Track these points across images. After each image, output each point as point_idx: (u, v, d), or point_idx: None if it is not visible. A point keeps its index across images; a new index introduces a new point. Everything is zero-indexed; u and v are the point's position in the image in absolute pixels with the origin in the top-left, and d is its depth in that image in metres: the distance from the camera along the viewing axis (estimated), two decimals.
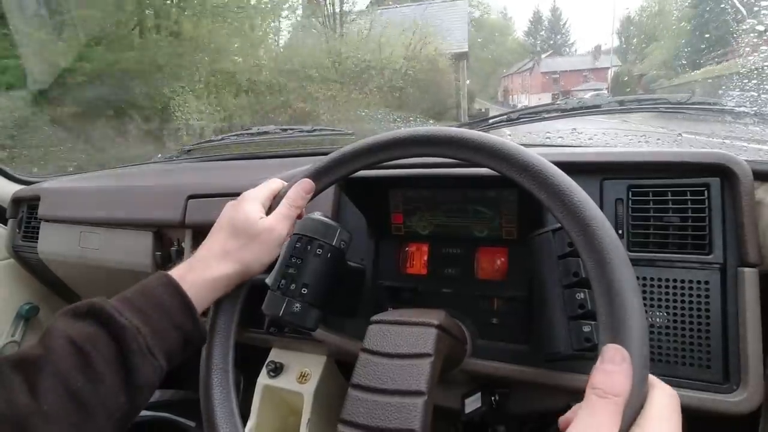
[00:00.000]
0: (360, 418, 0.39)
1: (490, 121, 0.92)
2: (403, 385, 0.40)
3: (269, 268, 0.51)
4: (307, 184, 0.50)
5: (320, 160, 0.51)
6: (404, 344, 0.43)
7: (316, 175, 0.51)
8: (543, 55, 38.13)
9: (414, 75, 9.05)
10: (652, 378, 0.32)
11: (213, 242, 0.48)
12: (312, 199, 0.51)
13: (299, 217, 0.51)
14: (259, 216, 0.48)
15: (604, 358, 0.31)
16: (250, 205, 0.49)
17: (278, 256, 0.50)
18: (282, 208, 0.49)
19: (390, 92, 8.49)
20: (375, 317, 0.47)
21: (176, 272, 0.45)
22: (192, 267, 0.46)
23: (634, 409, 0.30)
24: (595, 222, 0.36)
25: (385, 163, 0.50)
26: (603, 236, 0.35)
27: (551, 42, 43.71)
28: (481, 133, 0.44)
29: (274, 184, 0.52)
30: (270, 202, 0.50)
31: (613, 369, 0.30)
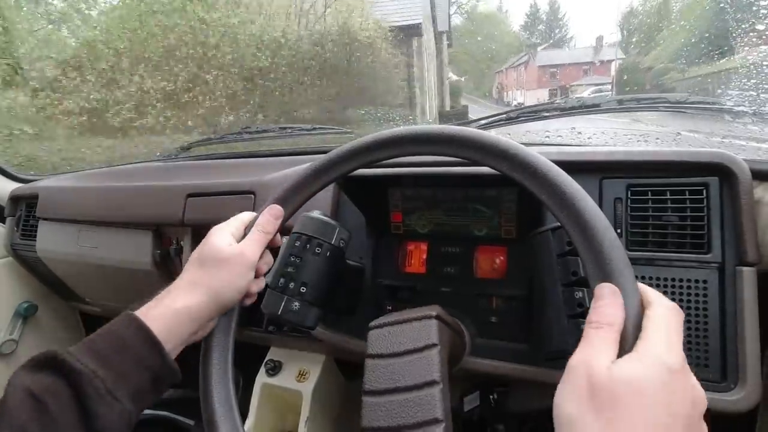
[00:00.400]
0: (381, 422, 0.39)
1: (490, 119, 0.92)
2: (417, 379, 0.40)
3: (247, 295, 0.50)
4: (276, 210, 0.50)
5: (291, 178, 0.51)
6: (408, 341, 0.44)
7: (285, 199, 0.50)
8: (539, 48, 35.73)
9: (321, 55, 5.78)
10: (651, 294, 0.34)
11: (181, 276, 0.47)
12: (287, 219, 0.50)
13: (274, 242, 0.51)
14: (228, 243, 0.47)
15: (595, 296, 0.34)
16: (218, 235, 0.48)
17: (250, 283, 0.48)
18: (251, 234, 0.49)
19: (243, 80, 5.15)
20: (373, 323, 0.47)
21: (142, 309, 0.44)
22: (156, 302, 0.45)
23: (631, 335, 0.32)
24: (590, 213, 0.37)
25: (384, 162, 0.50)
26: (595, 219, 0.37)
27: (549, 36, 42.68)
28: (480, 131, 0.44)
29: (244, 215, 0.51)
30: (241, 233, 0.50)
31: (604, 303, 0.33)
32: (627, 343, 0.31)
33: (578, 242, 0.37)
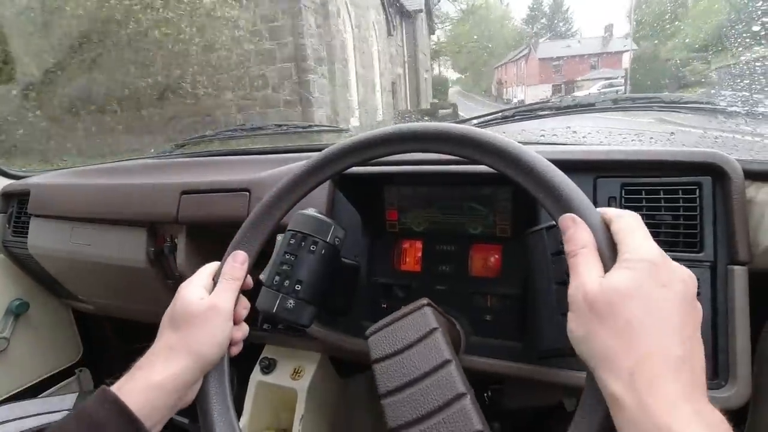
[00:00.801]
0: (407, 416, 0.39)
1: (486, 118, 0.92)
2: (429, 365, 0.41)
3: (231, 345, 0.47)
4: (239, 255, 0.48)
5: (245, 222, 0.50)
6: (408, 335, 0.44)
7: (245, 242, 0.49)
8: (541, 39, 32.65)
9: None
10: (609, 211, 0.37)
11: (156, 344, 0.44)
12: (258, 250, 0.49)
13: (245, 285, 0.48)
14: (199, 297, 0.45)
15: (561, 230, 0.37)
16: (188, 291, 0.46)
17: (230, 334, 0.46)
18: (221, 284, 0.46)
19: None
20: (369, 330, 0.47)
21: (119, 383, 0.41)
22: (132, 375, 0.41)
23: (606, 248, 0.35)
24: (540, 164, 0.40)
25: (380, 160, 0.50)
26: (545, 166, 0.40)
27: (551, 30, 40.61)
28: (474, 128, 0.44)
29: (209, 267, 0.49)
30: (210, 285, 0.47)
31: (571, 231, 0.36)
32: (606, 257, 0.35)
33: (534, 189, 0.40)
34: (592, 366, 0.32)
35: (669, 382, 0.28)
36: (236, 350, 0.48)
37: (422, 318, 0.45)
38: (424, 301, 0.47)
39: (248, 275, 0.49)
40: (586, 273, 0.34)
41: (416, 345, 0.43)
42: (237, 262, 0.48)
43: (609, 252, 0.35)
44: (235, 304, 0.46)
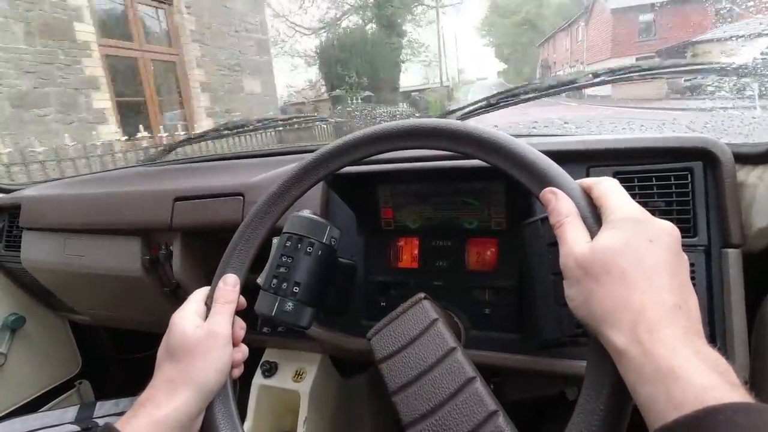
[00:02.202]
0: (420, 409, 0.40)
1: (469, 108, 0.92)
2: (435, 355, 0.42)
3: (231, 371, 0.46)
4: (229, 278, 0.47)
5: (230, 245, 0.50)
6: (409, 330, 0.44)
7: (232, 263, 0.49)
8: None
9: None
10: (587, 180, 0.39)
11: (156, 378, 0.43)
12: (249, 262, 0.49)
13: (240, 305, 0.48)
14: (195, 326, 0.44)
15: (544, 205, 0.39)
16: (183, 320, 0.45)
17: (230, 359, 0.45)
18: (215, 308, 0.46)
19: None
20: (369, 333, 0.48)
21: (123, 419, 0.40)
22: (136, 412, 0.40)
23: (590, 214, 0.36)
24: (518, 147, 0.41)
25: (371, 158, 0.50)
26: (520, 147, 0.41)
27: None
28: (444, 120, 0.45)
29: (199, 293, 0.48)
30: (204, 310, 0.47)
31: (552, 203, 0.38)
32: (590, 222, 0.36)
33: (512, 169, 0.41)
34: (595, 326, 0.33)
35: (668, 327, 0.30)
36: (238, 373, 0.47)
37: (422, 311, 0.46)
38: (422, 295, 0.47)
39: (241, 296, 0.48)
40: (573, 239, 0.35)
41: (419, 338, 0.44)
42: (228, 285, 0.47)
43: (593, 217, 0.36)
44: (232, 326, 0.46)
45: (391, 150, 0.47)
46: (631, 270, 0.32)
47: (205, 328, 0.44)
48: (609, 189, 0.37)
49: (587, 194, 0.38)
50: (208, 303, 0.47)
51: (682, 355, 0.28)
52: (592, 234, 0.35)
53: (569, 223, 0.36)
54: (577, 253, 0.34)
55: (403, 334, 0.45)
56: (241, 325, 0.48)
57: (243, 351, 0.47)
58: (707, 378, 0.27)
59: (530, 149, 0.41)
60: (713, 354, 0.29)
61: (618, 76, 0.85)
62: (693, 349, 0.28)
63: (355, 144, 0.48)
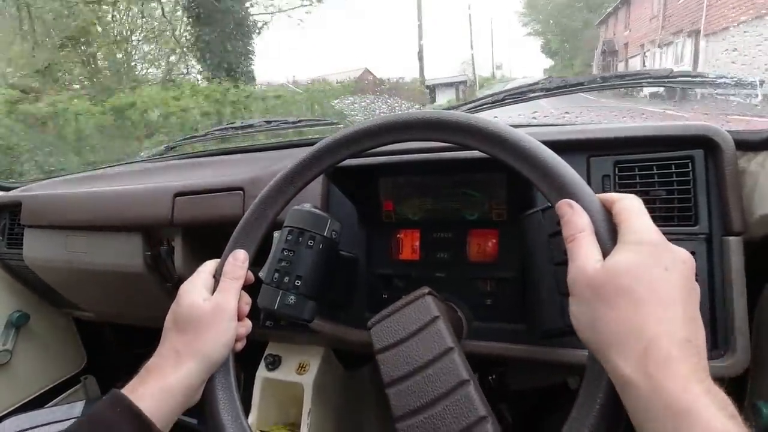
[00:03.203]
0: (412, 405, 0.40)
1: (476, 103, 0.92)
2: (432, 353, 0.41)
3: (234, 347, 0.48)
4: (239, 254, 0.48)
5: (243, 219, 0.50)
6: (410, 323, 0.44)
7: (243, 239, 0.49)
8: None
9: None
10: (610, 195, 0.38)
11: (163, 346, 0.44)
12: (264, 236, 0.50)
13: (248, 280, 0.49)
14: (203, 299, 0.45)
15: (559, 215, 0.37)
16: (190, 294, 0.46)
17: (235, 333, 0.47)
18: (222, 283, 0.47)
19: None
20: (371, 321, 0.48)
21: (130, 385, 0.41)
22: (143, 379, 0.42)
23: (606, 231, 0.35)
24: (535, 148, 0.40)
25: (372, 150, 0.49)
26: (540, 151, 0.40)
27: None
28: (465, 114, 0.44)
29: (209, 265, 0.50)
30: (212, 283, 0.48)
31: (568, 216, 0.36)
32: (604, 239, 0.35)
33: (531, 174, 0.40)
34: (601, 351, 0.31)
35: (680, 363, 0.28)
36: (240, 346, 0.48)
37: (424, 307, 0.45)
38: (425, 290, 0.47)
39: (249, 271, 0.49)
40: (586, 257, 0.34)
41: (418, 334, 0.43)
42: (238, 261, 0.48)
43: (608, 235, 0.35)
44: (238, 302, 0.47)
45: (403, 141, 0.48)
46: (644, 297, 0.30)
47: (212, 302, 0.45)
48: (631, 208, 0.35)
49: (606, 209, 0.37)
50: (217, 276, 0.48)
51: (694, 393, 0.27)
52: (605, 252, 0.34)
53: (583, 238, 0.35)
54: (590, 272, 0.33)
55: (403, 328, 0.45)
56: (246, 300, 0.49)
57: (247, 325, 0.49)
58: (721, 422, 0.26)
59: (552, 154, 0.40)
60: (721, 394, 0.28)
61: (627, 82, 0.85)
62: (704, 387, 0.27)
63: (397, 124, 0.47)
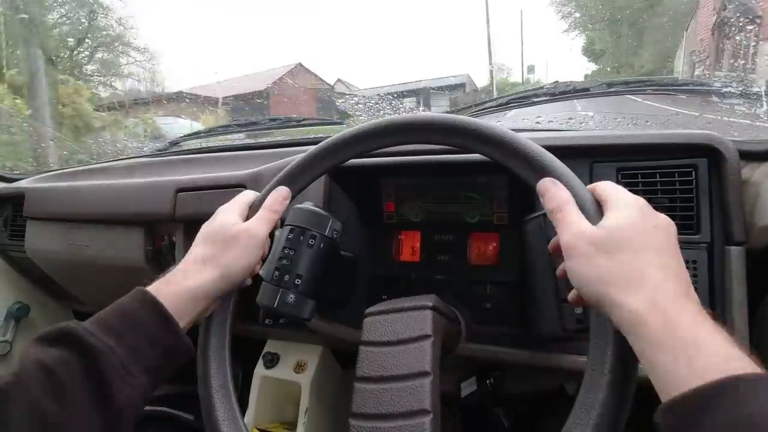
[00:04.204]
0: (371, 408, 0.39)
1: (483, 106, 0.92)
2: (409, 369, 0.41)
3: (253, 273, 0.51)
4: (284, 191, 0.51)
5: (293, 163, 0.52)
6: (402, 330, 0.44)
7: (291, 180, 0.51)
8: None
9: None
10: (590, 185, 0.39)
11: (190, 254, 0.47)
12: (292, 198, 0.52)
13: (276, 225, 0.51)
14: (234, 222, 0.48)
15: (540, 192, 0.39)
16: (224, 214, 0.49)
17: (259, 261, 0.49)
18: (260, 212, 0.49)
19: None
20: (369, 309, 0.47)
21: (154, 286, 0.44)
22: (168, 280, 0.45)
23: (591, 203, 0.37)
24: (511, 137, 0.42)
25: (375, 152, 0.50)
26: (516, 138, 0.42)
27: None
28: (469, 118, 0.44)
29: (247, 195, 0.52)
30: (246, 212, 0.50)
31: (551, 192, 0.38)
32: (591, 210, 0.37)
33: (508, 159, 0.41)
34: (608, 296, 0.32)
35: (689, 300, 0.30)
36: (258, 269, 0.51)
37: (420, 320, 0.45)
38: (429, 303, 0.46)
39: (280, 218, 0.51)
40: (579, 222, 0.36)
41: (405, 344, 0.43)
42: (280, 196, 0.50)
43: (593, 206, 0.37)
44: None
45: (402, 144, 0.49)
46: (644, 248, 0.33)
47: (245, 225, 0.48)
48: (611, 186, 0.38)
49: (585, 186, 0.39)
50: (253, 207, 0.51)
51: (705, 327, 0.28)
52: (591, 221, 0.36)
53: (571, 207, 0.37)
54: (589, 231, 0.35)
55: (393, 332, 0.44)
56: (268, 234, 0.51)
57: (265, 250, 0.51)
58: (730, 350, 0.27)
59: (529, 142, 0.41)
60: (726, 334, 0.29)
61: (632, 89, 0.85)
62: (712, 324, 0.29)
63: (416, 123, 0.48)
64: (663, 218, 0.36)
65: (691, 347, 0.27)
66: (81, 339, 0.37)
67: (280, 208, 0.50)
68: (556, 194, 0.38)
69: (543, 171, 0.40)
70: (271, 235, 0.55)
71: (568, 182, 0.38)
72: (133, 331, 0.40)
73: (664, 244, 0.34)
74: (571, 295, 0.39)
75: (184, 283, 0.44)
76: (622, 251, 0.33)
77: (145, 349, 0.40)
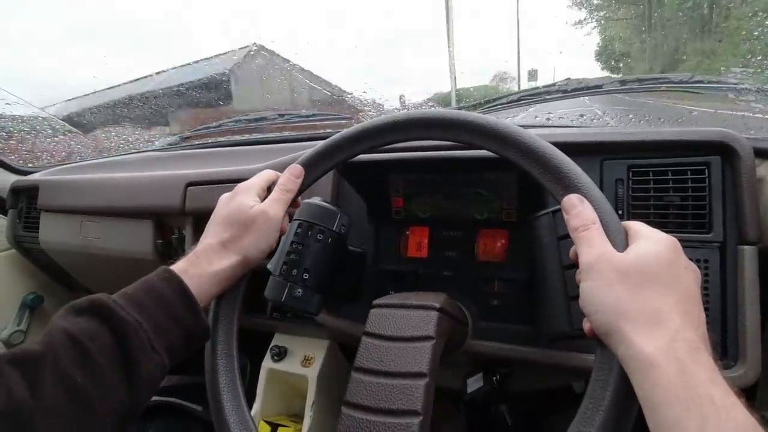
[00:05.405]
0: (363, 400, 0.40)
1: (493, 103, 0.91)
2: (406, 367, 0.41)
3: (270, 254, 0.51)
4: (296, 168, 0.51)
5: (313, 148, 0.52)
6: (406, 327, 0.44)
7: (308, 162, 0.52)
8: None
9: None
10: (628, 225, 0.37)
11: (210, 236, 0.48)
12: (308, 185, 0.52)
13: (295, 203, 0.52)
14: (251, 204, 0.49)
15: (566, 208, 0.38)
16: (243, 195, 0.50)
17: (276, 242, 0.50)
18: (273, 193, 0.50)
19: None
20: (376, 301, 0.47)
21: (178, 266, 0.45)
22: (193, 262, 0.46)
23: (616, 226, 0.36)
24: (542, 147, 0.41)
25: (383, 147, 0.50)
26: (548, 149, 0.41)
27: None
28: (477, 114, 0.44)
29: (267, 174, 0.53)
30: (264, 192, 0.51)
31: (577, 210, 0.37)
32: (616, 234, 0.35)
33: (536, 171, 0.41)
34: (621, 330, 0.31)
35: (705, 354, 0.29)
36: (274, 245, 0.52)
37: (425, 320, 0.45)
38: (437, 304, 0.46)
39: (297, 196, 0.52)
40: (604, 245, 0.34)
41: (407, 342, 0.43)
42: (293, 174, 0.51)
43: (621, 233, 0.35)
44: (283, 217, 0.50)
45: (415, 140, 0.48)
46: (671, 287, 0.31)
47: (261, 207, 0.49)
48: (642, 223, 0.37)
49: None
50: (272, 187, 0.51)
51: (722, 387, 0.27)
52: (615, 245, 0.34)
53: (596, 229, 0.35)
54: (616, 259, 0.33)
55: (397, 327, 0.44)
56: (289, 212, 0.52)
57: (284, 227, 0.52)
58: (748, 417, 0.26)
59: (560, 153, 0.40)
60: (737, 398, 0.28)
61: (646, 87, 0.84)
62: (726, 386, 0.27)
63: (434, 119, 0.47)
64: (692, 264, 0.34)
65: (706, 406, 0.26)
66: (111, 312, 0.38)
67: (293, 187, 0.51)
68: (582, 212, 0.37)
69: (570, 188, 0.39)
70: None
71: (596, 203, 0.37)
72: (159, 309, 0.41)
73: (690, 290, 0.32)
74: (587, 326, 0.37)
75: (209, 267, 0.45)
76: (647, 285, 0.31)
77: (169, 328, 0.41)
